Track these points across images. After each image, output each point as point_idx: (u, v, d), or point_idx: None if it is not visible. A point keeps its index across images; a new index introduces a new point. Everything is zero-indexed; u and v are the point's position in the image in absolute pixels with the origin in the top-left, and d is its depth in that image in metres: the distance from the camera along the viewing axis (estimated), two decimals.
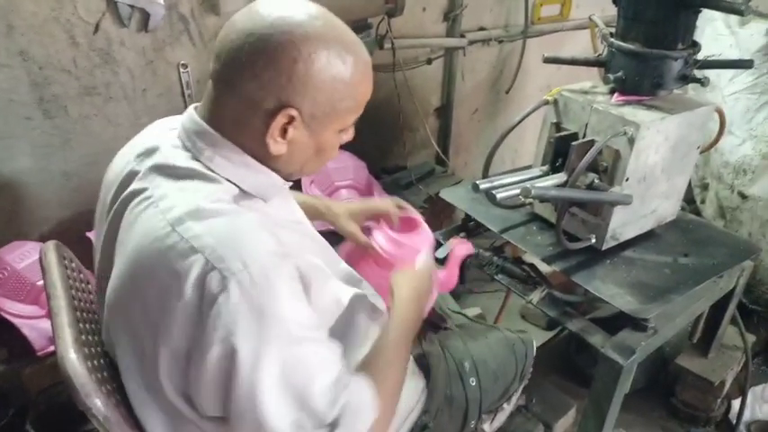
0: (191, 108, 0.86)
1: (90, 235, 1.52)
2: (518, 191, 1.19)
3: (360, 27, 1.84)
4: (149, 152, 0.85)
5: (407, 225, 1.22)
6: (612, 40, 1.37)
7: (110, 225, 0.87)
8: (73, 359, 0.79)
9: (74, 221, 1.55)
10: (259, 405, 0.71)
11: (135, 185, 0.83)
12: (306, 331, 0.75)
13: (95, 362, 0.84)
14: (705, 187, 2.27)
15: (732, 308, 1.68)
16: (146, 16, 1.58)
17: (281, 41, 0.75)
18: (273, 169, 0.85)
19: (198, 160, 0.81)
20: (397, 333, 0.95)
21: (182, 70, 1.72)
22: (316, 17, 0.78)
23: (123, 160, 0.89)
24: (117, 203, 0.85)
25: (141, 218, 0.78)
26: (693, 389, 1.86)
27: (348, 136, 0.90)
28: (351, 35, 0.82)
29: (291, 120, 0.78)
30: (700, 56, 1.36)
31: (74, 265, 1.05)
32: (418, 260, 1.10)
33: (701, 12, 1.31)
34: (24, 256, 1.48)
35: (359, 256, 1.18)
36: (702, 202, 2.31)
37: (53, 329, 0.86)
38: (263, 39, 0.75)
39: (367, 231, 1.21)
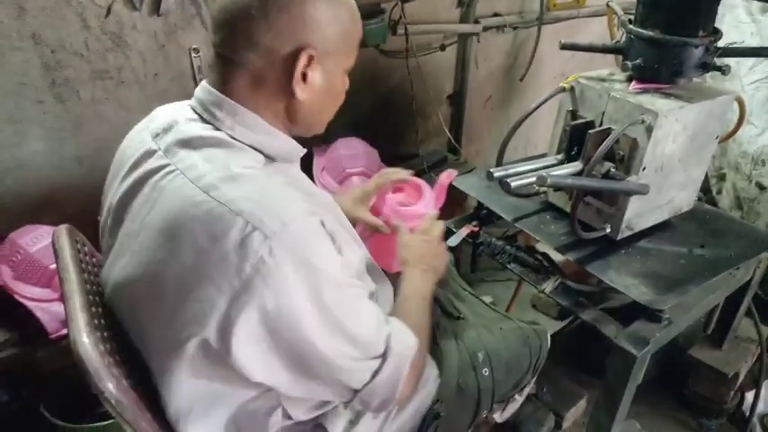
0: (203, 82, 0.88)
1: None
2: (533, 179, 1.18)
3: (373, 12, 1.83)
4: (166, 129, 0.86)
5: (412, 190, 1.32)
6: (631, 26, 1.34)
7: (119, 205, 0.88)
8: (85, 343, 0.80)
9: (86, 205, 1.53)
10: (313, 346, 0.77)
11: (154, 163, 0.84)
12: (345, 278, 0.82)
13: (108, 345, 0.85)
14: (722, 177, 2.24)
15: (748, 300, 1.67)
16: (157, 0, 1.57)
17: None
18: (295, 125, 0.90)
19: (219, 130, 0.83)
20: (412, 296, 1.05)
21: (193, 55, 1.71)
22: None
23: (136, 141, 0.90)
24: (131, 183, 0.86)
25: (168, 189, 0.80)
26: (706, 380, 1.85)
27: (346, 83, 0.95)
28: None
29: (310, 60, 0.82)
30: (720, 43, 1.34)
31: (86, 249, 1.05)
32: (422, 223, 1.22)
33: None
34: (37, 239, 1.48)
35: (370, 234, 1.25)
36: (719, 192, 2.28)
37: (66, 313, 0.86)
38: None
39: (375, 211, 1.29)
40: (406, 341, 0.92)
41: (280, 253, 0.72)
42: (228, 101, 0.84)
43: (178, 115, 0.87)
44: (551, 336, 1.42)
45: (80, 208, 1.60)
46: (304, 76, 0.83)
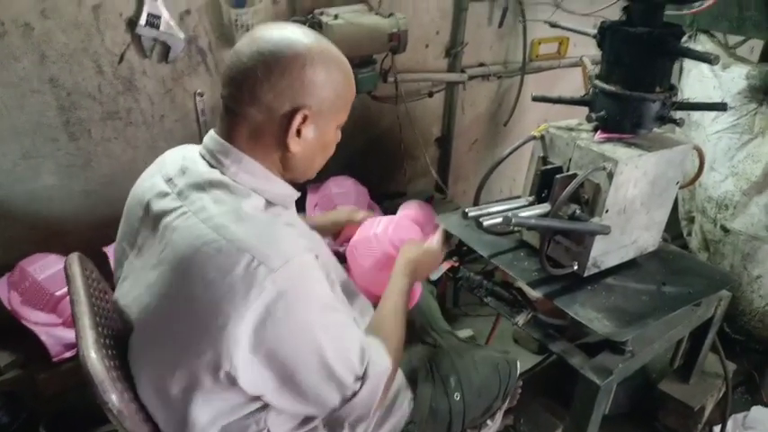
0: (211, 131, 0.99)
1: (106, 249, 1.62)
2: (500, 219, 1.29)
3: (365, 62, 1.96)
4: (178, 174, 0.97)
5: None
6: (596, 81, 1.47)
7: (135, 241, 0.99)
8: (93, 358, 0.89)
9: (92, 236, 1.64)
10: (302, 366, 0.88)
11: (167, 204, 0.94)
12: (336, 305, 0.93)
13: (112, 362, 0.94)
14: (691, 220, 2.35)
15: (711, 336, 1.74)
16: (166, 48, 1.71)
17: (288, 55, 0.90)
18: (288, 172, 1.01)
19: (224, 175, 0.94)
20: (392, 301, 1.15)
21: (198, 98, 1.84)
22: (306, 35, 0.94)
23: (149, 184, 1.00)
24: (146, 222, 0.97)
25: (181, 228, 0.89)
26: (675, 413, 1.91)
27: (338, 136, 1.06)
28: (333, 47, 0.97)
29: (305, 119, 0.93)
30: (687, 94, 1.45)
31: (94, 275, 1.15)
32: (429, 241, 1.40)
33: (677, 58, 1.41)
34: (45, 267, 1.57)
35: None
36: (689, 234, 2.39)
37: (76, 331, 0.95)
38: (273, 54, 0.89)
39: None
40: (382, 365, 1.01)
41: (281, 284, 0.82)
42: (234, 150, 0.94)
43: (188, 161, 0.98)
44: (530, 369, 1.49)
45: (86, 238, 1.71)
46: (298, 132, 0.94)
